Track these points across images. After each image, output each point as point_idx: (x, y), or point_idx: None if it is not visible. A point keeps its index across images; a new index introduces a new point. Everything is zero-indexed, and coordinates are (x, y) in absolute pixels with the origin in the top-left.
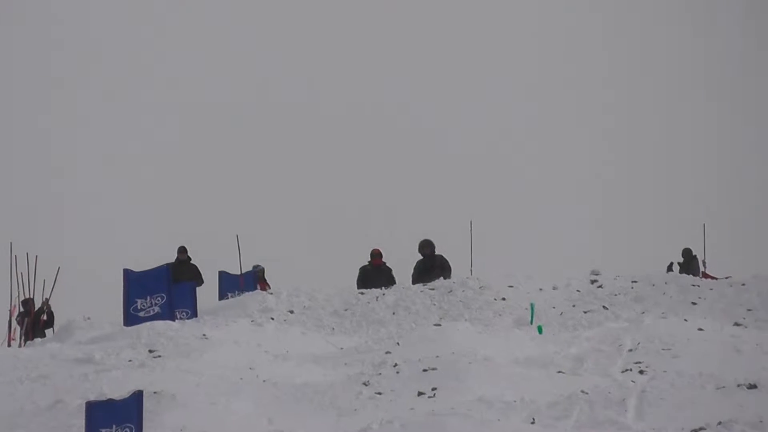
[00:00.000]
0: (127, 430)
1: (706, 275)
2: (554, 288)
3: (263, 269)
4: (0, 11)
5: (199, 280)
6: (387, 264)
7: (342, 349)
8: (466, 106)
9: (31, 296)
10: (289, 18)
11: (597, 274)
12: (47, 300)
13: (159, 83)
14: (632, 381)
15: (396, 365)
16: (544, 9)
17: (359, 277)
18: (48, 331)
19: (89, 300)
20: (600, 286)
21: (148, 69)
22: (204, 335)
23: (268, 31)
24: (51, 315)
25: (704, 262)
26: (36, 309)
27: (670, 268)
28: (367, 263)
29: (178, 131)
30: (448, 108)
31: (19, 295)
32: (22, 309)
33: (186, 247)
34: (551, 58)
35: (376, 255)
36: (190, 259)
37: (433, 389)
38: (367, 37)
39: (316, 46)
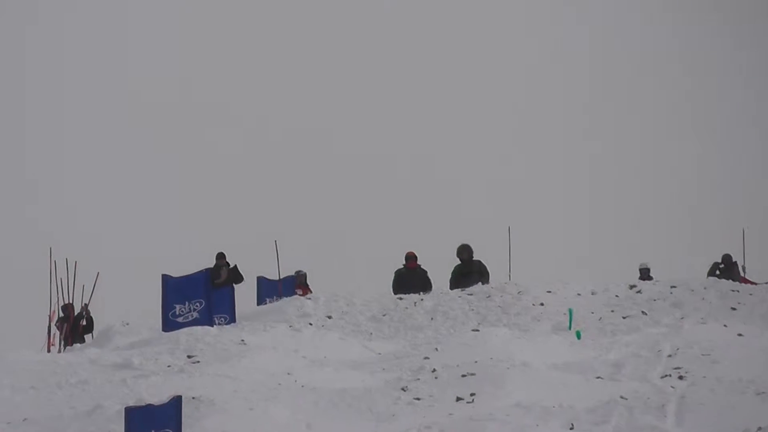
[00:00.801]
0: None
1: (745, 280)
2: (593, 293)
3: (305, 274)
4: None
5: (238, 279)
6: (422, 267)
7: (380, 354)
8: (502, 109)
9: (71, 301)
10: (330, 24)
11: (646, 268)
12: (86, 305)
13: (195, 88)
14: (671, 386)
15: (434, 371)
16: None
17: (394, 279)
18: (87, 337)
19: (128, 305)
20: (639, 292)
21: (186, 73)
22: (242, 340)
23: (300, 41)
24: (90, 320)
25: (744, 268)
26: (75, 314)
27: (714, 270)
28: (402, 266)
29: (215, 138)
30: (484, 111)
31: (58, 301)
32: (61, 314)
33: (224, 253)
34: (584, 62)
35: (410, 258)
36: (229, 265)
37: (472, 395)
38: (393, 43)
39: (351, 54)
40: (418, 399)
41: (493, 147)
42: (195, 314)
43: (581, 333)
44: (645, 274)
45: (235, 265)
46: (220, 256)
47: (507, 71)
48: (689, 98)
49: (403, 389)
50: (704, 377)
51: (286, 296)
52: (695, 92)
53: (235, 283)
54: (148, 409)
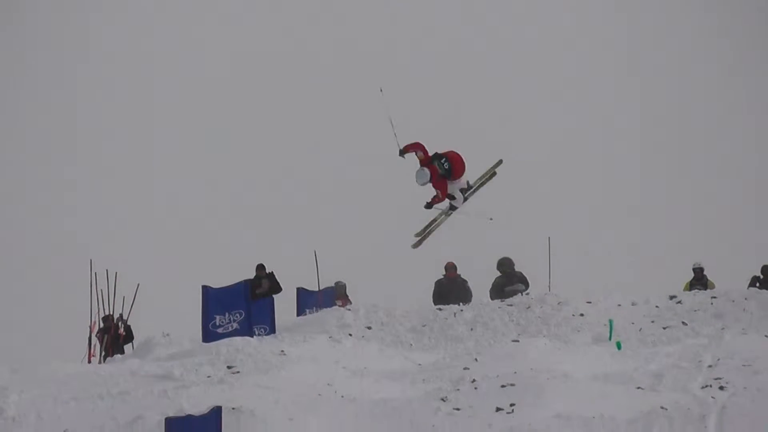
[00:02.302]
0: None
1: None
2: (633, 304)
3: (345, 285)
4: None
5: (277, 288)
6: (461, 276)
7: (420, 365)
8: (546, 116)
9: (111, 313)
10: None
11: (700, 267)
12: (121, 316)
13: (234, 97)
14: (712, 397)
15: (474, 381)
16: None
17: (435, 290)
18: (127, 348)
19: (168, 316)
20: (679, 302)
21: (228, 76)
22: (282, 351)
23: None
24: (129, 330)
25: None
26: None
27: (753, 282)
28: (441, 276)
29: (253, 148)
30: (524, 118)
31: (99, 312)
32: (101, 325)
33: (264, 264)
34: (625, 64)
35: (450, 268)
36: (268, 276)
37: (512, 405)
38: (430, 49)
39: (400, 62)
40: (458, 410)
41: (529, 155)
42: (235, 325)
43: (621, 344)
44: (699, 273)
45: (272, 272)
46: (260, 268)
47: (547, 77)
48: (738, 99)
49: (442, 400)
50: (745, 388)
51: (326, 307)
52: (743, 94)
53: (275, 294)
54: (189, 419)
